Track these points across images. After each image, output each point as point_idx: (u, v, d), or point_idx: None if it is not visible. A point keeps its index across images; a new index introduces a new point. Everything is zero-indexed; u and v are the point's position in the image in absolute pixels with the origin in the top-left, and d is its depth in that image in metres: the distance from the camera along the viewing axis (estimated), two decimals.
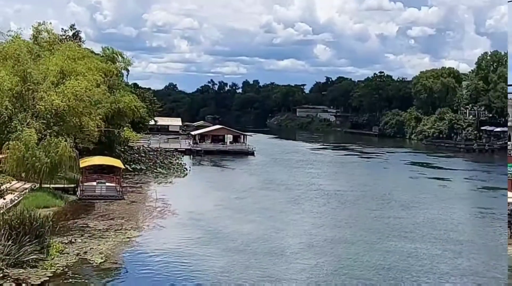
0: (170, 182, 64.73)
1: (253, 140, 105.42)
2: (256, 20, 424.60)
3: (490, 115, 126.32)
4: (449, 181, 71.39)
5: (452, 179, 73.39)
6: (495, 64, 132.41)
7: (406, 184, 67.37)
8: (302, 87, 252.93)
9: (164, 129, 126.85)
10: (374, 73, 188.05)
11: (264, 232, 39.99)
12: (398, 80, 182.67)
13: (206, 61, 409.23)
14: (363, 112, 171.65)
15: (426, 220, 45.62)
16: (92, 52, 71.89)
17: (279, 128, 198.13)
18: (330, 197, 55.61)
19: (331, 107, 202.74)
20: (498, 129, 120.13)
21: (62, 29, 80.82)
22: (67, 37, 76.00)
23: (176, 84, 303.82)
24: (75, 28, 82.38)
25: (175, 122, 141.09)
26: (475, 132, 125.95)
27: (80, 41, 77.01)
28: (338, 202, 53.40)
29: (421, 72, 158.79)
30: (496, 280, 30.39)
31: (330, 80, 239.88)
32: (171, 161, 78.17)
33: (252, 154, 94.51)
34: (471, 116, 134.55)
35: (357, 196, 57.03)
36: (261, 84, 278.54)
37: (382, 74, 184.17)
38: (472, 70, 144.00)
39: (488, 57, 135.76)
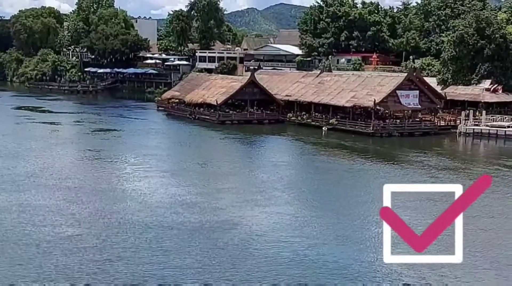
0: None
1: None
2: None
3: (93, 56, 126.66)
4: (60, 125, 69.58)
5: (62, 123, 71.69)
6: (96, 5, 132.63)
7: (14, 131, 63.22)
8: None
9: None
10: None
11: None
12: None
13: None
14: None
15: (41, 168, 43.22)
16: None
17: None
18: None
19: None
20: (101, 70, 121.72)
21: None
22: None
23: None
24: None
25: None
26: (79, 73, 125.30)
27: None
28: None
29: (20, 11, 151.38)
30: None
31: None
32: None
33: None
34: (74, 58, 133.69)
35: None
36: None
37: None
38: (73, 10, 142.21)
39: None
